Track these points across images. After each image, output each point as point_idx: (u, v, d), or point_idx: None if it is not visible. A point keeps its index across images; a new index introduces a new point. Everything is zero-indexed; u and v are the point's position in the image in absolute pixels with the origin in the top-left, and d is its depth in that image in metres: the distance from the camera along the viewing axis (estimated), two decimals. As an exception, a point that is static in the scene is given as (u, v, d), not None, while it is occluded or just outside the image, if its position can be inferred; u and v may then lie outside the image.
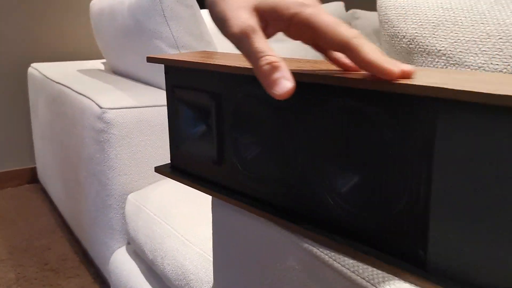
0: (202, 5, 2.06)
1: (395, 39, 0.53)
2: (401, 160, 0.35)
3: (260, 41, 0.38)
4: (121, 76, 1.44)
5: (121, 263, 1.08)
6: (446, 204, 0.34)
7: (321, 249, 0.42)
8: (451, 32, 0.47)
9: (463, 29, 0.47)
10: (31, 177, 2.07)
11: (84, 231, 1.31)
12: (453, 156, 0.33)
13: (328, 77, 0.37)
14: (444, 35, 0.48)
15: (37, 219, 1.71)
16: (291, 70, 0.37)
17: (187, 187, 1.02)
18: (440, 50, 0.48)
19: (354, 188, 0.39)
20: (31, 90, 1.81)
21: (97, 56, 2.15)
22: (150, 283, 0.98)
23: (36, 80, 1.69)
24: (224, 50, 1.87)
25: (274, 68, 0.37)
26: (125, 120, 1.06)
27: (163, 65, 1.15)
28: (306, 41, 0.41)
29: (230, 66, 0.45)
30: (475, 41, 0.45)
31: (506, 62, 0.44)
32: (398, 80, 0.34)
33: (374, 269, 0.38)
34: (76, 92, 1.23)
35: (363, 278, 0.37)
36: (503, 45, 0.44)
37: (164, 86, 1.22)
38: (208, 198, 0.87)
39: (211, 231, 0.84)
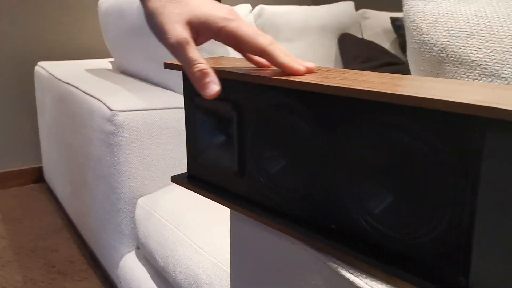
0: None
1: (425, 47, 0.51)
2: (442, 180, 0.33)
3: (193, 51, 0.46)
4: (129, 76, 1.42)
5: (131, 268, 1.06)
6: (491, 228, 0.32)
7: (350, 270, 0.40)
8: (487, 41, 0.45)
9: (499, 39, 0.45)
10: (37, 176, 2.05)
11: (91, 234, 1.29)
12: (500, 177, 0.31)
13: (364, 92, 0.35)
14: (478, 45, 0.46)
15: (43, 219, 1.69)
16: (330, 83, 0.36)
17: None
18: (474, 60, 0.46)
19: (388, 208, 0.37)
20: (37, 88, 1.80)
21: (104, 54, 2.13)
22: (161, 290, 0.96)
23: (43, 79, 1.67)
24: (237, 54, 1.85)
25: (204, 74, 0.45)
26: (136, 123, 1.04)
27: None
28: (231, 47, 0.49)
29: (254, 75, 0.43)
30: (514, 52, 0.42)
31: (547, 75, 0.42)
32: (441, 97, 0.31)
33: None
34: (85, 92, 1.21)
35: (400, 306, 0.35)
36: (545, 56, 0.42)
37: (174, 87, 1.20)
38: (221, 205, 0.85)
39: (224, 239, 0.82)
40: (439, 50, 0.49)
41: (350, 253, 0.39)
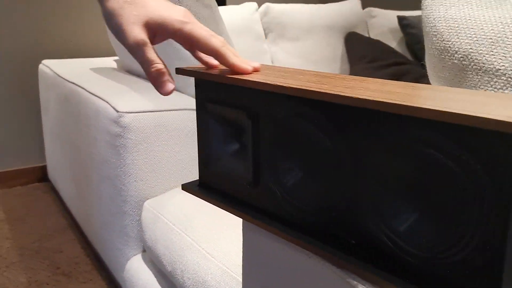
0: (219, 3, 2.01)
1: (446, 53, 0.49)
2: (473, 197, 0.32)
3: (150, 52, 0.49)
4: (135, 76, 1.40)
5: (137, 272, 1.05)
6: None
7: (372, 288, 0.38)
8: (513, 49, 0.44)
9: (526, 47, 0.43)
10: (41, 175, 2.04)
11: (96, 235, 1.28)
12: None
13: (390, 105, 0.33)
14: (504, 53, 0.44)
15: (48, 219, 1.68)
16: (352, 94, 0.35)
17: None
18: (499, 69, 0.44)
19: (414, 225, 0.35)
20: (42, 87, 1.78)
21: (109, 53, 2.12)
22: (168, 295, 0.95)
23: (47, 77, 1.66)
24: (241, 50, 1.83)
25: (161, 73, 0.49)
26: (142, 125, 1.03)
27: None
28: (186, 47, 0.53)
29: (272, 84, 0.42)
30: (544, 62, 0.41)
31: None
32: (473, 113, 0.30)
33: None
34: (90, 93, 1.19)
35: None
36: None
37: (181, 88, 1.19)
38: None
39: (233, 245, 0.80)
40: (461, 57, 0.47)
41: (372, 270, 0.38)
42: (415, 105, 0.32)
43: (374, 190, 0.37)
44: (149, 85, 1.24)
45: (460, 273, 0.33)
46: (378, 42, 2.08)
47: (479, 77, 0.46)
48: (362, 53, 2.01)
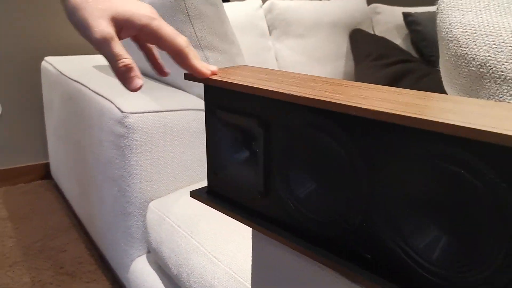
0: (223, 0, 1.99)
1: (462, 60, 0.48)
2: (498, 215, 0.30)
3: (117, 46, 0.47)
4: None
5: (142, 273, 1.04)
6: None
7: (389, 304, 0.37)
8: (534, 57, 0.42)
9: (548, 55, 0.42)
10: (44, 172, 2.04)
11: (100, 236, 1.27)
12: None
13: (410, 119, 0.32)
14: (524, 61, 0.43)
15: (51, 218, 1.68)
16: (370, 106, 0.34)
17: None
18: (519, 77, 0.43)
19: (435, 243, 0.34)
20: (44, 85, 1.77)
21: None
22: (173, 298, 0.94)
23: (50, 75, 1.64)
24: (245, 47, 1.82)
25: (129, 69, 0.48)
26: (147, 125, 1.02)
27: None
28: (150, 43, 0.54)
29: (285, 93, 0.41)
30: None
31: None
32: (502, 131, 0.29)
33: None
34: (94, 92, 1.18)
35: None
36: None
37: (186, 87, 1.18)
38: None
39: (240, 249, 0.79)
40: (479, 65, 0.46)
41: (388, 286, 0.37)
42: (438, 120, 0.31)
43: (391, 204, 0.36)
44: (153, 85, 1.22)
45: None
46: (383, 39, 2.06)
47: (497, 85, 0.45)
48: (367, 50, 1.99)
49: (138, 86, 0.49)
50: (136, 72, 0.49)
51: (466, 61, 0.47)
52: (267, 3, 1.98)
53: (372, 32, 2.23)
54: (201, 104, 1.10)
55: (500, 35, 0.45)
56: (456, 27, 0.49)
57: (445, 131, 0.31)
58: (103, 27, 0.47)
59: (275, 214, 0.47)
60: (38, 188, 1.94)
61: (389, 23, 2.26)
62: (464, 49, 0.48)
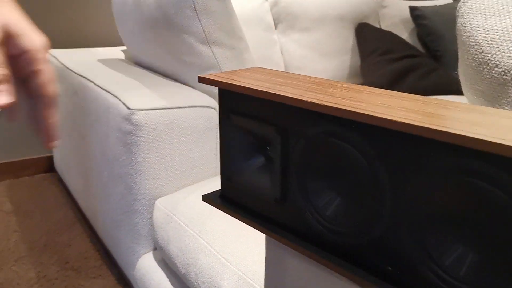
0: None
1: (484, 66, 0.47)
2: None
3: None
4: (144, 69, 1.38)
5: (148, 271, 1.04)
6: None
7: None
8: (560, 65, 0.41)
9: None
10: (48, 166, 2.03)
11: (106, 232, 1.27)
12: None
13: (438, 132, 0.31)
14: (550, 68, 0.42)
15: (56, 212, 1.67)
16: (393, 117, 0.33)
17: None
18: (545, 85, 0.42)
19: (461, 259, 0.33)
20: (49, 78, 1.76)
21: (116, 42, 2.09)
22: (181, 296, 0.94)
23: (54, 68, 1.63)
24: (250, 41, 1.80)
25: (3, 80, 0.42)
26: (154, 122, 1.01)
27: (196, 63, 1.09)
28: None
29: (305, 101, 0.39)
30: None
31: None
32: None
33: None
34: (100, 87, 1.17)
35: None
36: None
37: (193, 83, 1.16)
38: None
39: (249, 250, 0.79)
40: (502, 71, 0.45)
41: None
42: (469, 135, 0.30)
43: (415, 218, 0.35)
44: (159, 81, 1.21)
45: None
46: (389, 34, 2.04)
47: (521, 92, 0.43)
48: (373, 45, 1.97)
49: (5, 102, 0.43)
50: (10, 87, 0.44)
51: (488, 67, 0.46)
52: (272, -4, 1.96)
53: (378, 26, 2.21)
54: (208, 101, 1.09)
55: (525, 41, 0.44)
56: (478, 32, 0.48)
57: (476, 146, 0.30)
58: None
59: (291, 221, 0.46)
60: (42, 181, 1.93)
61: (395, 17, 2.24)
62: (487, 54, 0.46)
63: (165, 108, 1.02)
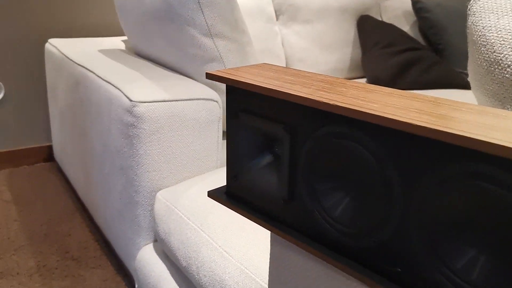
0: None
1: (496, 66, 0.47)
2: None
3: None
4: (146, 60, 1.37)
5: (149, 263, 1.04)
6: None
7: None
8: None
9: None
10: (47, 155, 2.03)
11: (106, 223, 1.27)
12: None
13: (454, 136, 0.31)
14: (562, 70, 0.41)
15: (55, 201, 1.67)
16: (406, 118, 0.32)
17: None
18: (557, 87, 0.42)
19: (474, 263, 0.33)
20: (48, 67, 1.75)
21: (116, 31, 2.08)
22: (182, 289, 0.94)
23: (55, 58, 1.62)
24: (252, 32, 1.79)
25: None
26: (156, 115, 1.00)
27: (198, 56, 1.08)
28: None
29: (315, 100, 0.39)
30: None
31: None
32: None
33: None
34: (102, 79, 1.16)
35: None
36: None
37: (194, 75, 1.16)
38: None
39: (251, 244, 0.79)
40: (514, 72, 0.44)
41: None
42: (484, 139, 0.29)
43: (426, 221, 0.35)
44: (162, 72, 1.21)
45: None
46: (391, 26, 2.03)
47: (532, 94, 0.43)
48: (375, 37, 1.96)
49: None
50: None
51: (500, 68, 0.46)
52: (274, -13, 1.95)
53: (380, 19, 2.20)
54: (210, 93, 1.08)
55: (538, 43, 0.43)
56: (490, 31, 0.48)
57: (491, 151, 0.30)
58: None
59: (298, 220, 0.46)
60: (42, 171, 1.93)
61: (397, 9, 2.23)
62: (499, 55, 0.46)
63: (167, 101, 1.01)
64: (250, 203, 0.51)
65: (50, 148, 2.03)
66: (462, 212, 0.33)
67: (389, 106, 0.37)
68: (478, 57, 0.50)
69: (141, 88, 1.04)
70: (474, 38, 0.51)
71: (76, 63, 1.38)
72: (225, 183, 0.99)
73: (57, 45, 1.63)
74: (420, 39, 2.22)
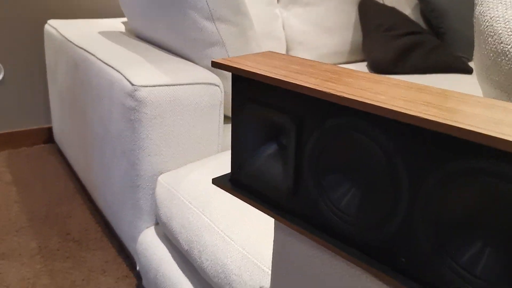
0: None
1: (503, 57, 0.47)
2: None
3: None
4: (147, 43, 1.36)
5: (150, 246, 1.05)
6: None
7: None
8: None
9: None
10: (47, 136, 2.02)
11: (107, 206, 1.28)
12: None
13: (459, 130, 0.31)
14: None
15: (55, 183, 1.68)
16: (416, 112, 0.33)
17: (221, 173, 0.98)
18: None
19: (479, 256, 0.34)
20: (48, 49, 1.73)
21: (116, 13, 2.06)
22: (184, 272, 0.95)
23: (54, 40, 1.61)
24: (252, 15, 1.77)
25: None
26: (158, 99, 1.00)
27: (200, 39, 1.08)
28: None
29: (323, 91, 0.39)
30: None
31: None
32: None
33: None
34: (103, 62, 1.16)
35: None
36: None
37: (196, 59, 1.15)
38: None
39: (253, 229, 0.80)
40: (520, 64, 0.44)
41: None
42: (494, 135, 0.30)
43: (433, 215, 0.35)
44: (163, 56, 1.20)
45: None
46: (392, 10, 2.02)
47: (539, 86, 0.43)
48: (376, 21, 1.95)
49: None
50: None
51: (507, 59, 0.46)
52: (276, -32, 1.92)
53: (381, 2, 2.18)
54: (212, 78, 1.08)
55: (545, 35, 0.43)
56: (498, 22, 0.47)
57: (501, 146, 0.30)
58: None
59: (303, 210, 0.46)
60: (41, 152, 1.93)
61: (399, -7, 2.21)
62: (506, 46, 0.46)
63: (169, 85, 1.01)
64: (255, 191, 0.51)
65: (50, 129, 2.02)
66: (469, 206, 0.33)
67: (397, 98, 0.37)
68: (485, 47, 0.50)
69: (142, 72, 1.03)
70: (481, 28, 0.51)
71: (76, 45, 1.37)
72: (226, 168, 1.00)
73: (56, 26, 1.62)
74: (421, 22, 2.21)
